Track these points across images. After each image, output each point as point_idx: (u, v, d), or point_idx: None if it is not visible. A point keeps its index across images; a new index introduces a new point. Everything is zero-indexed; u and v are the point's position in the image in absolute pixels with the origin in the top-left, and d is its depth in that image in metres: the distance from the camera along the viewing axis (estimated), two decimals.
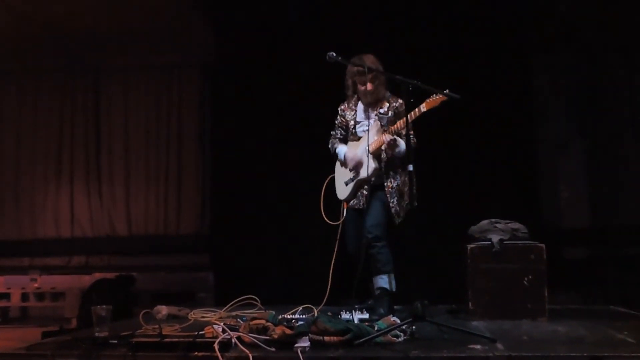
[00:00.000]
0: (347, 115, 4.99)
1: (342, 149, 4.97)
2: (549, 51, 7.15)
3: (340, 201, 4.97)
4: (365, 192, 4.83)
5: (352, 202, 4.91)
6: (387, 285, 4.66)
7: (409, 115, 4.34)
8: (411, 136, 4.60)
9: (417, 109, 4.37)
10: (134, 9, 7.20)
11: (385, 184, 4.74)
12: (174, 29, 7.77)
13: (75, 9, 7.22)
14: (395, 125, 4.60)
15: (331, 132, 5.10)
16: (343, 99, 5.04)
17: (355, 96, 4.94)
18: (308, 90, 6.33)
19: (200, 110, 8.28)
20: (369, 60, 4.66)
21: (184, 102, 8.38)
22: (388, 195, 4.72)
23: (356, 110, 4.96)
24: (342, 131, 5.04)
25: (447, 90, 4.20)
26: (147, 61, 8.35)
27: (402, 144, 4.59)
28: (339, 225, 4.89)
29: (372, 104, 4.86)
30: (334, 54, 4.27)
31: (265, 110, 6.63)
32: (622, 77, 7.16)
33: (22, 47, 8.17)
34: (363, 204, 4.83)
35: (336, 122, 5.08)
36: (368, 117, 4.87)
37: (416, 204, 4.44)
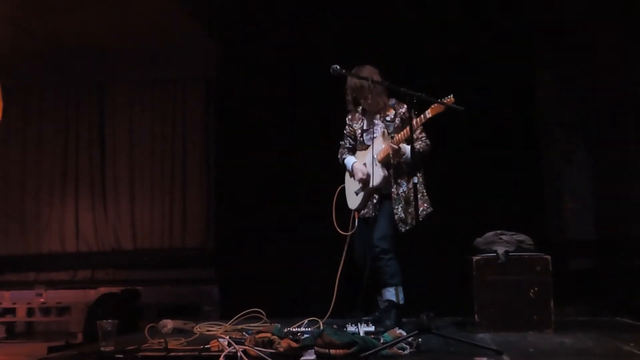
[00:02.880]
0: (354, 125, 5.03)
1: (350, 160, 4.99)
2: (553, 61, 7.16)
3: (350, 211, 4.97)
4: (374, 200, 4.84)
5: (362, 211, 4.91)
6: (394, 298, 4.65)
7: (415, 122, 4.38)
8: (423, 138, 4.65)
9: (422, 115, 4.37)
10: (138, 23, 7.23)
11: (392, 190, 4.74)
12: (178, 43, 7.80)
13: (79, 24, 7.25)
14: (401, 134, 4.60)
15: (340, 142, 5.12)
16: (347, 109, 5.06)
17: (360, 108, 4.97)
18: (312, 103, 6.36)
19: (204, 123, 8.29)
20: (365, 72, 4.68)
21: (189, 116, 8.39)
22: (393, 202, 4.73)
23: (363, 119, 4.99)
24: (351, 140, 5.08)
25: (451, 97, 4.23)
26: (152, 75, 8.37)
27: (407, 150, 4.59)
28: (348, 235, 4.90)
29: (376, 113, 4.88)
30: (338, 67, 4.29)
31: (269, 123, 6.66)
32: (627, 87, 7.15)
33: (27, 63, 8.20)
34: (372, 212, 4.84)
35: (345, 132, 5.11)
36: (374, 125, 4.88)
37: (424, 213, 4.49)
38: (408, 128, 4.50)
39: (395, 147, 4.58)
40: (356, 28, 6.46)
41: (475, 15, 6.39)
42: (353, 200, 4.97)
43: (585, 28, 6.96)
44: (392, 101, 4.88)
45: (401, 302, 4.67)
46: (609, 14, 6.77)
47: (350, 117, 5.06)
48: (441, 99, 4.26)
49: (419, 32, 6.40)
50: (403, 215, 4.71)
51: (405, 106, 4.73)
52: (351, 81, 4.79)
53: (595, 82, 7.21)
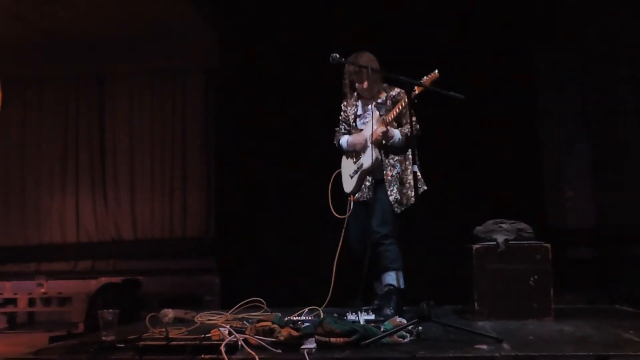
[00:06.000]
0: (348, 110, 5.05)
1: (344, 138, 5.02)
2: (553, 51, 7.15)
3: (346, 195, 4.97)
4: (368, 183, 4.85)
5: (357, 194, 4.92)
6: (394, 282, 4.66)
7: (402, 102, 4.43)
8: (414, 123, 4.62)
9: (415, 88, 4.23)
10: (138, 14, 7.22)
11: (385, 172, 4.75)
12: (178, 33, 7.80)
13: (79, 15, 7.25)
14: (392, 112, 4.62)
15: (335, 129, 5.12)
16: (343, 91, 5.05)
17: (355, 93, 4.97)
18: (312, 93, 6.35)
19: (204, 114, 8.30)
20: (364, 58, 4.69)
21: (189, 106, 8.40)
22: (387, 184, 4.72)
23: (357, 105, 5.01)
24: (346, 126, 5.08)
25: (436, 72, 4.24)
26: (151, 66, 8.36)
27: (395, 133, 4.65)
28: (345, 218, 4.89)
29: (370, 98, 4.89)
30: (337, 56, 4.29)
31: (269, 114, 6.65)
32: (626, 76, 7.16)
33: (26, 53, 8.20)
34: (367, 195, 4.84)
35: (340, 117, 5.12)
36: (368, 110, 4.89)
37: (422, 190, 4.50)
38: (398, 106, 4.60)
39: (384, 129, 4.60)
40: (355, 17, 6.45)
41: (475, 3, 6.37)
42: (348, 184, 4.97)
43: (584, 17, 6.95)
44: (384, 85, 4.89)
45: (402, 286, 4.67)
46: (609, 3, 6.77)
47: (345, 102, 5.07)
48: (426, 76, 4.25)
49: (417, 21, 6.38)
50: (398, 196, 4.72)
51: (397, 89, 4.78)
52: (349, 65, 4.80)
53: (595, 71, 7.21)
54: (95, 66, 8.44)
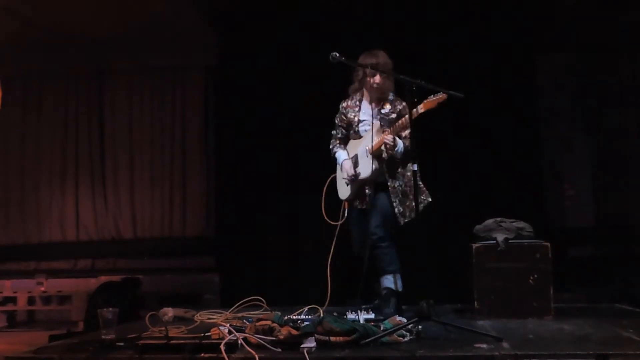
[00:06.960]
0: (349, 114, 4.94)
1: (340, 155, 4.95)
2: (553, 50, 7.15)
3: (341, 201, 4.96)
4: (368, 191, 4.82)
5: (356, 202, 4.89)
6: (392, 285, 4.65)
7: (404, 119, 4.40)
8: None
9: (414, 110, 4.20)
10: (137, 12, 7.21)
11: (389, 183, 4.73)
12: (177, 31, 7.77)
13: (78, 13, 7.23)
14: (396, 124, 4.59)
15: (332, 132, 5.07)
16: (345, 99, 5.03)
17: (359, 93, 4.93)
18: (311, 92, 6.35)
19: (204, 112, 8.28)
20: (381, 55, 4.65)
21: (188, 104, 8.38)
22: (392, 195, 4.71)
23: (360, 107, 4.92)
24: (344, 130, 5.00)
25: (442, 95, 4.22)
26: (151, 64, 8.35)
27: (400, 144, 4.59)
28: (338, 225, 4.88)
29: (376, 101, 4.82)
30: (337, 54, 4.27)
31: (268, 112, 6.65)
32: (626, 75, 7.16)
33: (26, 52, 8.19)
34: (367, 203, 4.82)
35: (336, 121, 5.03)
36: (371, 116, 4.78)
37: (422, 205, 4.48)
38: (403, 119, 4.53)
39: (390, 137, 4.53)
40: (357, 16, 6.44)
41: (475, 3, 6.36)
42: (344, 191, 4.94)
43: (584, 17, 6.95)
44: (391, 96, 4.83)
45: (399, 289, 4.67)
46: (609, 4, 6.77)
47: (344, 104, 4.99)
48: (435, 93, 4.23)
49: (417, 23, 6.38)
50: (401, 208, 4.70)
51: (403, 103, 4.69)
52: (366, 57, 4.70)
53: (594, 71, 7.21)
54: (95, 65, 8.42)
